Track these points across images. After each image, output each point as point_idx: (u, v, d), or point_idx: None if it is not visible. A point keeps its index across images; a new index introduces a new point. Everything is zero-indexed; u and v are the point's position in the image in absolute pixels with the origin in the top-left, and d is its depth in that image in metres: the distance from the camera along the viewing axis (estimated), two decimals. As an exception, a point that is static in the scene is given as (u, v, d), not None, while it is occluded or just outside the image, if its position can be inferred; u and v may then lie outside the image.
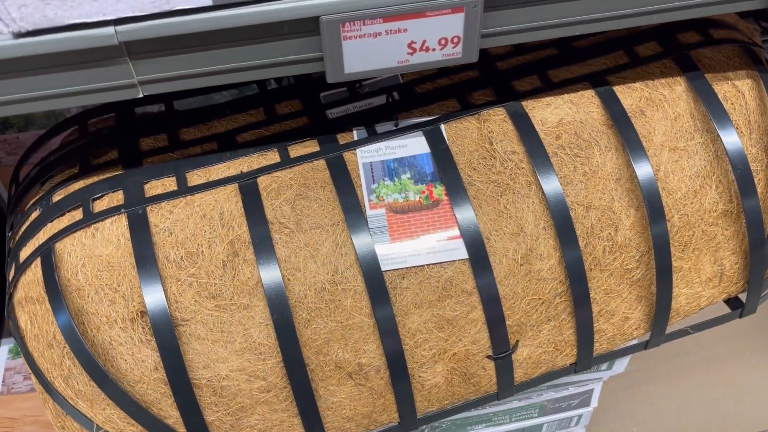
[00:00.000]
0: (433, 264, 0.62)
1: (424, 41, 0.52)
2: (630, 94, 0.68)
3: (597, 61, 0.71)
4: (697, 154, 0.67)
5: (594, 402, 1.08)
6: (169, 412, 0.60)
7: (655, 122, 0.67)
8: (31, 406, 1.02)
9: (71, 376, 0.60)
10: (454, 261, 0.62)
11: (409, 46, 0.52)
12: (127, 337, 0.59)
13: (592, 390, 1.05)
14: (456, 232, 0.62)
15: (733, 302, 0.75)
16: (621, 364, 0.89)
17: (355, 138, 0.66)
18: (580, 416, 1.15)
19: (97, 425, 0.61)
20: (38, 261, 0.61)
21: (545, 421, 1.12)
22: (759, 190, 0.68)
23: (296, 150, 0.65)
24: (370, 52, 0.52)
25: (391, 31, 0.51)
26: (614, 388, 1.33)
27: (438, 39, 0.52)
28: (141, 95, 0.52)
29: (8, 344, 1.04)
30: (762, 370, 1.35)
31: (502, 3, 0.51)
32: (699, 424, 1.28)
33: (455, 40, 0.52)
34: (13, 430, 1.02)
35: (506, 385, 0.68)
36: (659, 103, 0.68)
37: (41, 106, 0.50)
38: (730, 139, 0.66)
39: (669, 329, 0.72)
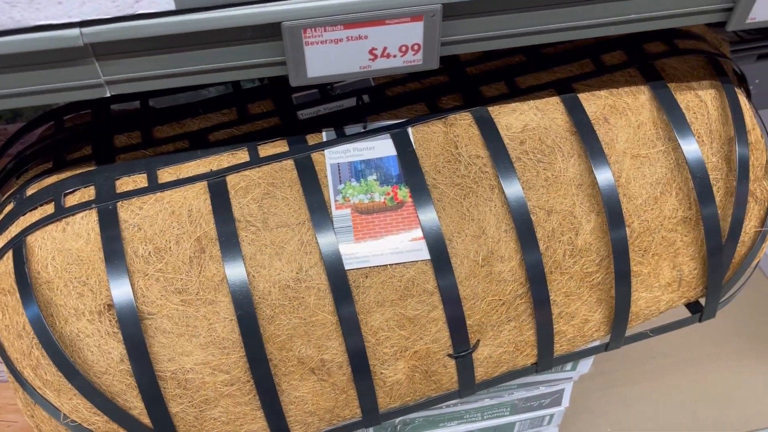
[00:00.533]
0: (396, 264, 0.64)
1: (385, 48, 0.53)
2: (594, 102, 0.69)
3: (564, 68, 0.72)
4: (658, 162, 0.69)
5: (565, 402, 1.10)
6: (134, 403, 0.61)
7: (618, 129, 0.69)
8: (13, 395, 1.03)
9: (39, 366, 0.61)
10: (416, 261, 0.64)
11: (370, 52, 0.54)
12: (95, 329, 0.60)
13: (563, 390, 1.07)
14: (419, 233, 0.64)
15: (693, 306, 0.76)
16: (585, 365, 0.91)
17: (324, 139, 0.67)
18: (552, 415, 1.17)
19: (64, 414, 0.62)
20: (10, 253, 0.62)
21: (517, 420, 1.14)
22: (718, 199, 0.69)
23: (266, 150, 0.66)
24: (332, 57, 0.53)
25: (352, 37, 0.52)
26: (590, 389, 1.35)
27: (398, 46, 0.54)
28: (108, 95, 0.53)
29: (-9, 334, 1.05)
30: (738, 372, 1.37)
31: (461, 12, 0.53)
32: (674, 426, 1.30)
33: (415, 47, 0.54)
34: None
35: (467, 384, 0.69)
36: (623, 110, 0.69)
37: (9, 103, 0.52)
38: (691, 147, 0.68)
39: (629, 332, 0.74)
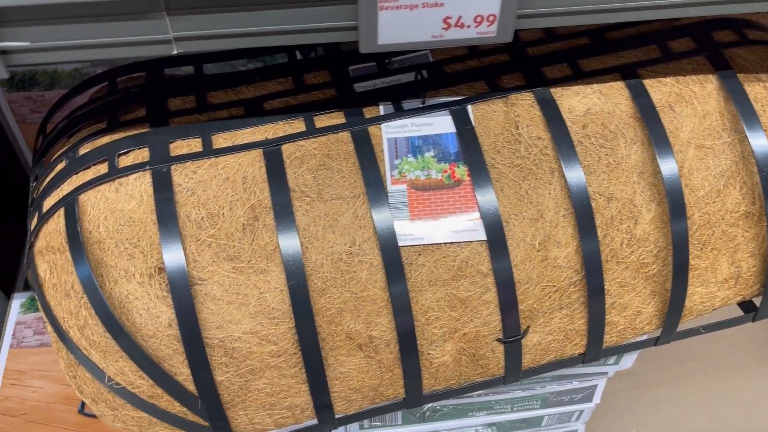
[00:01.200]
0: (451, 243, 0.62)
1: (460, 17, 0.52)
2: (660, 89, 0.67)
3: (629, 53, 0.70)
4: (723, 154, 0.67)
5: (597, 398, 1.08)
6: (179, 369, 0.61)
7: (683, 118, 0.67)
8: (40, 361, 1.03)
9: (87, 326, 0.60)
10: (471, 242, 0.62)
11: (444, 21, 0.52)
12: (144, 292, 0.60)
13: (595, 386, 1.05)
14: (476, 213, 0.62)
15: (746, 305, 0.74)
16: (628, 360, 0.89)
17: (382, 113, 0.66)
18: (581, 411, 1.15)
19: (108, 377, 0.61)
20: (61, 211, 0.62)
21: (546, 414, 1.13)
22: (783, 194, 0.67)
23: (322, 121, 0.65)
24: (405, 24, 0.52)
25: (427, 4, 0.51)
26: (618, 388, 1.33)
27: (474, 16, 0.52)
28: (175, 52, 0.52)
29: (20, 299, 1.06)
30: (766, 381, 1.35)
31: (542, -16, 0.51)
32: (699, 431, 1.28)
33: (491, 18, 0.52)
34: (21, 382, 1.03)
35: (513, 370, 0.68)
36: (689, 99, 0.67)
37: (71, 56, 0.51)
38: (758, 140, 0.65)
39: (680, 327, 0.72)
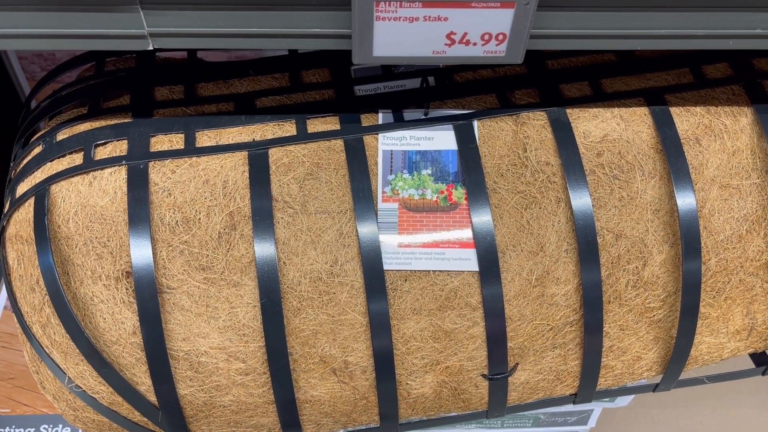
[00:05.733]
0: (440, 271, 0.58)
1: (465, 34, 0.47)
2: (687, 119, 0.61)
3: (658, 75, 0.64)
4: (750, 196, 0.61)
5: (592, 422, 1.04)
6: (142, 378, 0.58)
7: (710, 154, 0.61)
8: (33, 326, 1.01)
9: (49, 324, 0.58)
10: (462, 271, 0.58)
11: (448, 36, 0.47)
12: (110, 295, 0.56)
13: (591, 410, 1.01)
14: (470, 240, 0.58)
15: (758, 357, 0.69)
16: (624, 399, 0.84)
17: (380, 121, 0.61)
18: (575, 432, 1.11)
19: (69, 378, 0.59)
20: (32, 200, 0.58)
21: None
22: (811, 246, 0.61)
23: (315, 125, 0.60)
24: (403, 37, 0.47)
25: (430, 17, 0.45)
26: (617, 408, 1.29)
27: (481, 33, 0.47)
28: (151, 48, 0.48)
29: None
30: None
31: (560, 3, 0.45)
32: (698, 457, 1.23)
33: (500, 37, 0.47)
34: (11, 346, 1.02)
35: (497, 406, 0.64)
36: (719, 133, 0.61)
37: (42, 44, 0.47)
38: (791, 185, 0.59)
39: (683, 375, 0.67)
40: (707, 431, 1.26)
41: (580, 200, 0.58)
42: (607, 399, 0.84)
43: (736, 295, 0.62)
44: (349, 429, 0.65)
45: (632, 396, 0.82)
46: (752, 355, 0.69)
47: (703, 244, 0.60)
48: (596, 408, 0.99)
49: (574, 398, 0.66)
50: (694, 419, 1.29)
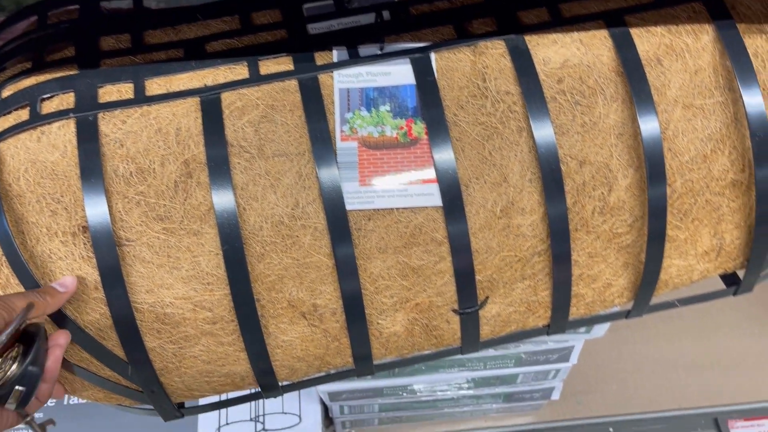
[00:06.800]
0: (403, 208, 0.57)
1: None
2: (648, 39, 0.60)
3: (617, -4, 0.62)
4: (713, 115, 0.60)
5: (574, 359, 1.05)
6: (108, 333, 0.57)
7: (672, 74, 0.60)
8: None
9: (9, 285, 0.56)
10: (426, 207, 0.57)
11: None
12: (68, 251, 0.55)
13: (572, 347, 1.02)
14: (432, 175, 0.57)
15: (729, 278, 0.69)
16: (600, 329, 0.85)
17: (335, 59, 0.59)
18: (558, 371, 1.12)
19: (34, 339, 0.58)
20: (-20, 161, 0.56)
21: (521, 372, 1.10)
22: (776, 162, 0.61)
23: (268, 66, 0.59)
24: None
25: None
26: (600, 345, 1.31)
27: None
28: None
29: None
30: (754, 342, 1.32)
31: None
32: (681, 390, 1.26)
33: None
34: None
35: (471, 341, 0.64)
36: (680, 52, 0.60)
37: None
38: (754, 101, 0.59)
39: (655, 300, 0.68)
40: (693, 364, 1.29)
41: (542, 128, 0.57)
42: (583, 330, 0.85)
43: (703, 216, 0.62)
44: (324, 372, 0.65)
45: (608, 325, 0.83)
46: (723, 277, 0.70)
47: (668, 166, 0.59)
48: (577, 343, 1.00)
49: (548, 329, 0.66)
50: (676, 352, 1.31)
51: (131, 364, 0.57)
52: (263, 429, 1.03)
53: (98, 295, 0.56)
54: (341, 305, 0.58)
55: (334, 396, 1.07)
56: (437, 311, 0.61)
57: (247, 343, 0.58)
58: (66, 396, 1.01)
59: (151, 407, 0.63)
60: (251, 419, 1.03)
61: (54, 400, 1.02)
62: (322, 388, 1.00)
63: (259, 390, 0.64)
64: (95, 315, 0.56)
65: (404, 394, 1.13)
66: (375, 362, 0.64)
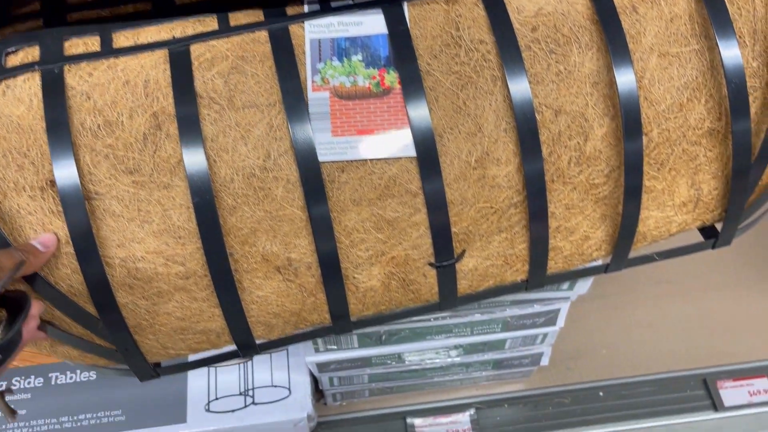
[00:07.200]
0: (377, 159, 0.56)
1: None
2: (624, -13, 0.59)
3: (593, -56, 0.61)
4: (689, 63, 0.59)
5: (560, 322, 1.05)
6: (79, 289, 0.56)
7: (647, 22, 0.59)
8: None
9: (-22, 243, 0.56)
10: (400, 158, 0.56)
11: None
12: (37, 206, 0.54)
13: (558, 309, 1.01)
14: (405, 126, 0.56)
15: (707, 231, 0.69)
16: (583, 285, 0.85)
17: (306, 10, 0.58)
18: (545, 335, 1.12)
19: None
20: (-55, 116, 0.55)
21: (508, 337, 1.10)
22: (753, 111, 0.61)
23: (238, 18, 0.58)
24: None
25: None
26: (588, 311, 1.31)
27: None
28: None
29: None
30: (743, 304, 1.32)
31: None
32: (672, 353, 1.26)
33: None
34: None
35: (448, 296, 0.64)
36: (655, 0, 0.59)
37: None
38: (729, 48, 0.58)
39: (634, 254, 0.67)
40: (682, 327, 1.29)
41: (517, 77, 0.57)
42: (566, 287, 0.85)
43: (680, 166, 0.62)
44: (303, 330, 0.65)
45: (590, 282, 0.83)
46: (702, 230, 0.69)
47: (644, 115, 0.59)
48: (563, 306, 1.00)
49: (526, 284, 0.66)
50: (664, 316, 1.31)
51: (103, 320, 0.57)
52: (253, 402, 1.03)
53: (69, 250, 0.55)
54: (316, 259, 0.58)
55: (322, 367, 1.06)
56: (414, 265, 0.60)
57: (221, 298, 0.57)
58: (53, 375, 1.00)
59: (126, 367, 0.63)
60: (240, 393, 1.03)
61: (41, 380, 1.00)
62: (311, 358, 0.99)
63: (236, 349, 0.63)
64: (66, 270, 0.56)
65: (393, 363, 1.13)
66: (353, 318, 0.63)
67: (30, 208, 0.54)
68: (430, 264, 0.60)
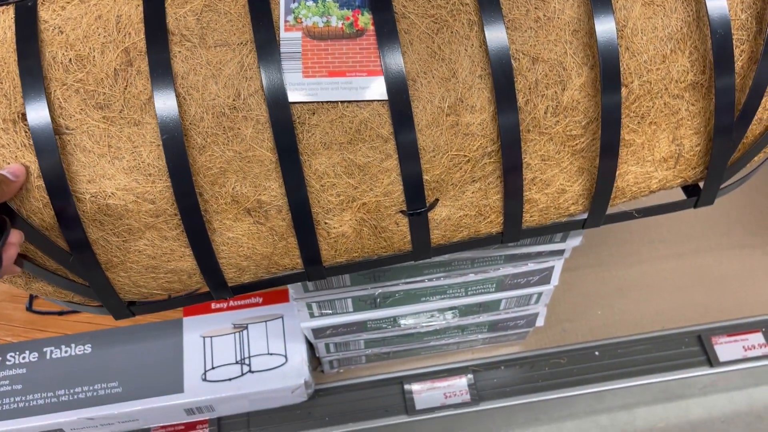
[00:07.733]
0: (348, 102, 0.56)
1: None
2: (610, -69, 0.57)
3: None
4: (675, 13, 0.58)
5: (554, 280, 1.05)
6: (50, 223, 0.57)
7: (633, -31, 0.57)
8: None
9: (-48, 174, 0.56)
10: (372, 101, 0.56)
11: None
12: (9, 139, 0.55)
13: (552, 267, 1.01)
14: (378, 68, 0.55)
15: (690, 189, 0.68)
16: (576, 238, 0.84)
17: (282, -51, 0.57)
18: (540, 294, 1.12)
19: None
20: None
21: (503, 297, 1.10)
22: (738, 65, 0.59)
23: (213, -45, 0.57)
24: None
25: None
26: (582, 271, 1.30)
27: None
28: None
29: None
30: (735, 262, 1.31)
31: None
32: (667, 311, 1.25)
33: None
34: None
35: (421, 246, 0.64)
36: (643, -54, 0.57)
37: None
38: (717, -2, 0.56)
39: (612, 210, 0.66)
40: (676, 286, 1.28)
41: (493, 22, 0.55)
42: (558, 239, 0.84)
43: (661, 119, 0.60)
44: (276, 275, 0.65)
45: (580, 236, 0.82)
46: (684, 189, 0.68)
47: (625, 66, 0.57)
48: (557, 264, 0.99)
49: (502, 237, 0.65)
50: (659, 275, 1.30)
51: (74, 254, 0.58)
52: (249, 371, 1.03)
53: (40, 183, 0.55)
54: (287, 203, 0.58)
55: (318, 333, 1.07)
56: (385, 212, 0.60)
57: (191, 237, 0.58)
58: (48, 350, 1.00)
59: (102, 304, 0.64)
60: (237, 362, 1.03)
61: (36, 355, 1.01)
62: (306, 324, 1.00)
63: (207, 291, 0.64)
64: (38, 204, 0.56)
65: (389, 327, 1.13)
66: (325, 264, 0.64)
67: (2, 141, 0.55)
68: (402, 212, 0.60)
